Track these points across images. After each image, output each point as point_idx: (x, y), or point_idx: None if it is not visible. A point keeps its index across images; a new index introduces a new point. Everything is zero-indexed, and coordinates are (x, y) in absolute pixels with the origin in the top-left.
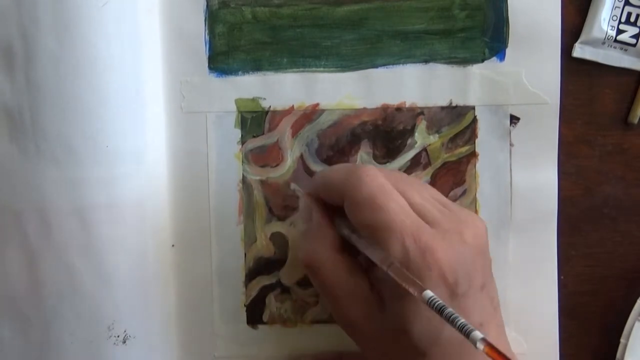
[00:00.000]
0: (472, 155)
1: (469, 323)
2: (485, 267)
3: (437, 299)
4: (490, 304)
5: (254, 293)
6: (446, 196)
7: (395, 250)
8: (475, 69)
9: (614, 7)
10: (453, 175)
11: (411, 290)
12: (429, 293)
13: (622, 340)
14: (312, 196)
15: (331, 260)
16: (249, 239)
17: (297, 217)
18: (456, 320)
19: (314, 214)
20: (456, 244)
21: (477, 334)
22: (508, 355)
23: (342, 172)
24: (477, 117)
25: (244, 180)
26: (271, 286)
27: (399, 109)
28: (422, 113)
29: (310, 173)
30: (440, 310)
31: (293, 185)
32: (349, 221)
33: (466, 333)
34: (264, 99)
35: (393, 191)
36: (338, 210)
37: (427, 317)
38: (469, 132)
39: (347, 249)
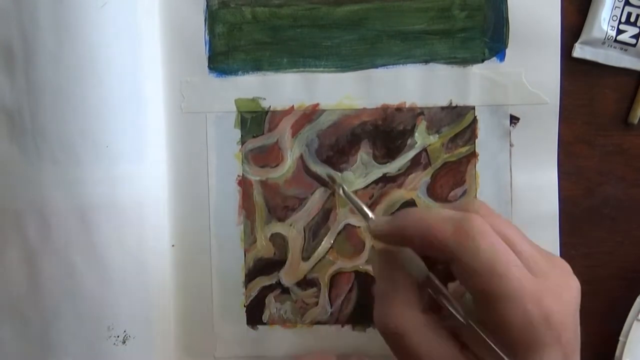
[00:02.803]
0: (472, 155)
1: None
2: (578, 317)
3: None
4: (572, 354)
5: (253, 294)
6: (446, 197)
7: (516, 317)
8: (475, 69)
9: (614, 7)
10: (453, 176)
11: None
12: None
13: (621, 338)
14: (390, 242)
15: (418, 325)
16: (249, 240)
17: (297, 218)
18: None
19: (394, 272)
20: (566, 299)
21: None
22: None
23: (449, 227)
24: (477, 117)
25: (243, 180)
26: (271, 287)
27: (399, 109)
28: (422, 113)
29: (310, 173)
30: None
31: (373, 225)
32: (437, 277)
33: None
34: (264, 99)
35: (509, 252)
36: (426, 263)
37: None
38: (469, 132)
39: (429, 305)
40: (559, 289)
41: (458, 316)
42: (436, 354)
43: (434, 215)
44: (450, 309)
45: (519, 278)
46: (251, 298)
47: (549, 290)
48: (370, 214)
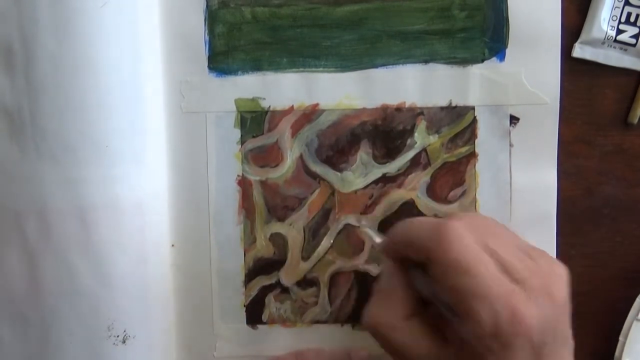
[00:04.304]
0: (472, 155)
1: None
2: (568, 323)
3: None
4: (570, 354)
5: (253, 293)
6: (446, 197)
7: (484, 317)
8: (475, 69)
9: (614, 7)
10: (453, 176)
11: None
12: None
13: (621, 338)
14: (390, 254)
15: (397, 326)
16: (249, 239)
17: (297, 218)
18: None
19: (391, 277)
20: (544, 305)
21: None
22: None
23: (427, 229)
24: (477, 118)
25: (243, 180)
26: (271, 286)
27: (398, 109)
28: (421, 113)
29: (310, 173)
30: None
31: (377, 243)
32: (428, 278)
33: None
34: (264, 99)
35: (481, 253)
36: (418, 265)
37: None
38: (469, 133)
39: (420, 306)
40: (539, 297)
41: (437, 304)
42: (417, 351)
43: (417, 221)
44: (433, 301)
45: (489, 279)
46: (251, 298)
47: (524, 294)
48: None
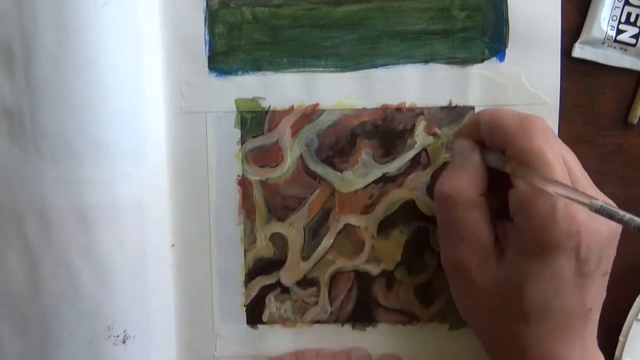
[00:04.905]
0: None
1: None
2: (612, 257)
3: (608, 207)
4: (602, 293)
5: (253, 293)
6: None
7: (544, 208)
8: (475, 69)
9: (614, 7)
10: None
11: (581, 199)
12: (597, 202)
13: (621, 338)
14: (467, 135)
15: (471, 200)
16: (249, 239)
17: (297, 218)
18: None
19: (473, 153)
20: (600, 225)
21: None
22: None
23: (513, 118)
24: None
25: (243, 180)
26: (271, 286)
27: (398, 109)
28: (422, 113)
29: (310, 173)
30: (612, 216)
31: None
32: (500, 155)
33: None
34: (264, 98)
35: (558, 154)
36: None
37: (547, 281)
38: None
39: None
40: (598, 217)
41: (509, 170)
42: (473, 229)
43: (504, 110)
44: (504, 169)
45: (559, 175)
46: (251, 298)
47: (583, 211)
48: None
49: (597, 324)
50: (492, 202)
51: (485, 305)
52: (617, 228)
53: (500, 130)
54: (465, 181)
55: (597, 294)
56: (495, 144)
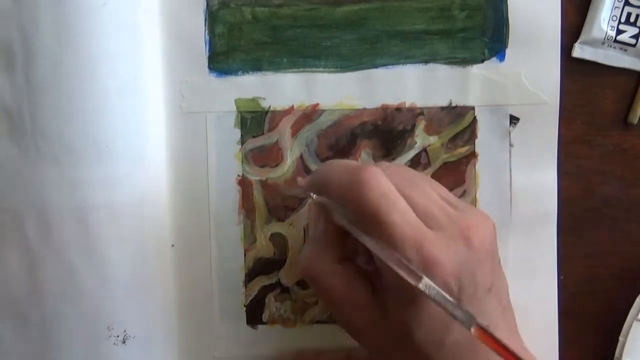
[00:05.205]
0: (472, 155)
1: (464, 309)
2: (493, 268)
3: (433, 287)
4: (499, 305)
5: (253, 293)
6: None
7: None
8: (475, 69)
9: (614, 7)
10: (453, 176)
11: (410, 280)
12: (426, 281)
13: (621, 338)
14: (320, 202)
15: (331, 270)
16: (249, 239)
17: (297, 218)
18: (449, 305)
19: (320, 221)
20: (461, 250)
21: (468, 316)
22: (518, 352)
23: (344, 176)
24: (477, 118)
25: (243, 180)
26: (271, 286)
27: (398, 109)
28: (422, 113)
29: (310, 173)
30: (435, 298)
31: (300, 180)
32: (343, 216)
33: (458, 318)
34: (264, 99)
35: (396, 199)
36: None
37: (431, 321)
38: (469, 133)
39: (350, 255)
40: (456, 243)
41: (358, 237)
42: (345, 295)
43: (337, 163)
44: (353, 234)
45: (400, 224)
46: (251, 298)
47: (439, 240)
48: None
49: (511, 332)
50: (362, 258)
51: (388, 355)
52: (486, 242)
53: (332, 189)
54: (316, 253)
55: (489, 312)
56: (336, 200)
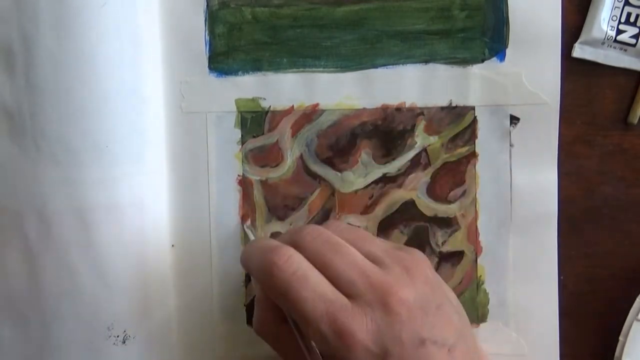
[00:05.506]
0: (472, 155)
1: None
2: (425, 323)
3: None
4: (438, 351)
5: (253, 293)
6: (446, 197)
7: (315, 339)
8: (475, 69)
9: (614, 7)
10: (453, 176)
11: None
12: None
13: (621, 338)
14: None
15: (276, 332)
16: (249, 239)
17: (297, 218)
18: None
19: (257, 287)
20: (378, 315)
21: None
22: None
23: (258, 258)
24: (477, 118)
25: (244, 180)
26: None
27: (398, 109)
28: (422, 113)
29: (310, 173)
30: None
31: (246, 226)
32: None
33: None
34: (264, 99)
35: (308, 275)
36: None
37: None
38: (469, 133)
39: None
40: (373, 310)
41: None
42: (293, 352)
43: (256, 246)
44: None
45: (311, 301)
46: (251, 298)
47: (355, 309)
48: None
49: (472, 344)
50: None
51: None
52: (408, 302)
53: (251, 272)
54: (260, 316)
55: (439, 325)
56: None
